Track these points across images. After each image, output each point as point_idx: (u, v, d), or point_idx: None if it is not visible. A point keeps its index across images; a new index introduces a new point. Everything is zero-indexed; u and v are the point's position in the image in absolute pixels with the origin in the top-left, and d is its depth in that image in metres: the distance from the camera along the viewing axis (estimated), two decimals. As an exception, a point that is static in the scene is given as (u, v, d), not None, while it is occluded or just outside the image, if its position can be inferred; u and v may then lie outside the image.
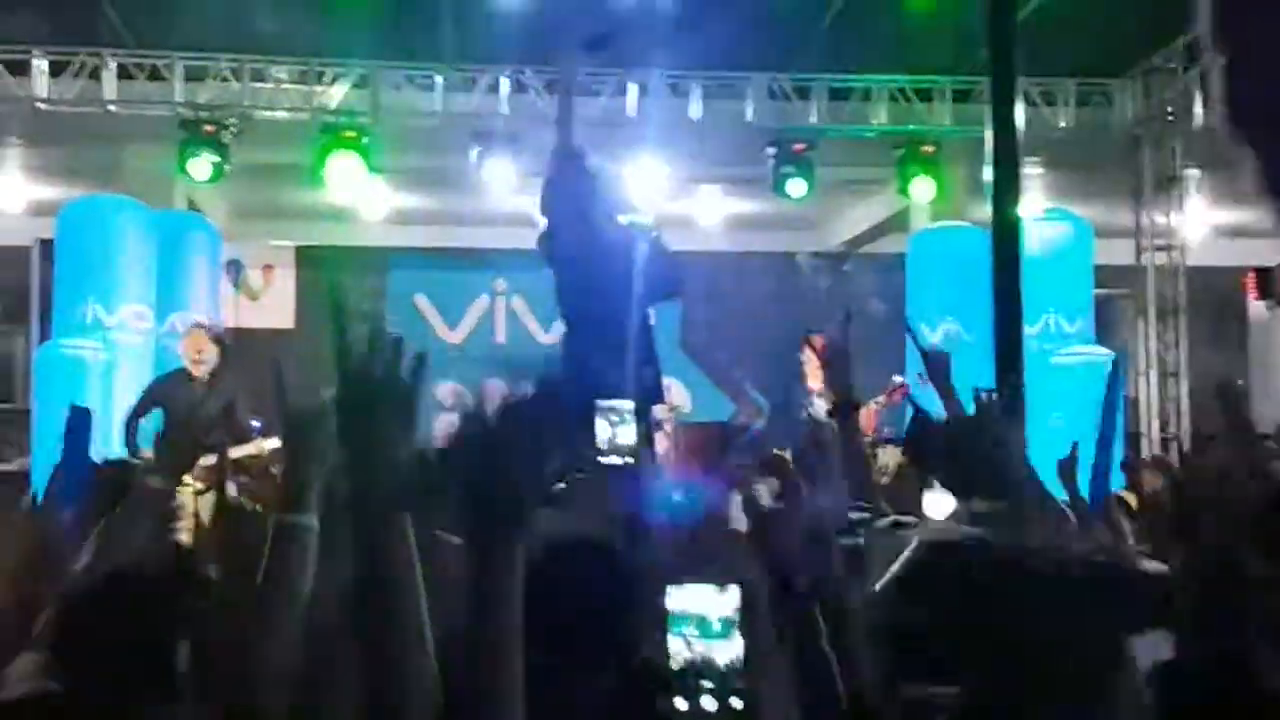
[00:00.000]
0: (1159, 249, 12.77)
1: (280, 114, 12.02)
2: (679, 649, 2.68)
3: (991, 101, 7.08)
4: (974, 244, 11.15)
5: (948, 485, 3.75)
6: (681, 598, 2.73)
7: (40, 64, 11.68)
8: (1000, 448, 3.51)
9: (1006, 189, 7.10)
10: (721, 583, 2.71)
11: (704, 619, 2.73)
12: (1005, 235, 7.12)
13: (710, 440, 13.33)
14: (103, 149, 12.48)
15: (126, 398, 10.44)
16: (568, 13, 10.60)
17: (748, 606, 2.68)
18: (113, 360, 10.95)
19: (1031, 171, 11.77)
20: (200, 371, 9.77)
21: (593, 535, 3.18)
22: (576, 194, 6.28)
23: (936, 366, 4.10)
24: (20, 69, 11.71)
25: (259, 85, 11.95)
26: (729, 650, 2.69)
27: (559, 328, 7.52)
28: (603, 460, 4.05)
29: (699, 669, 2.67)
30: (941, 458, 3.70)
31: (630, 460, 4.05)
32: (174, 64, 11.77)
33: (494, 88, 11.98)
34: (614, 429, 4.09)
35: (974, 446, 3.49)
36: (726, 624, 2.71)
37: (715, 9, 10.55)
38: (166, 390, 10.15)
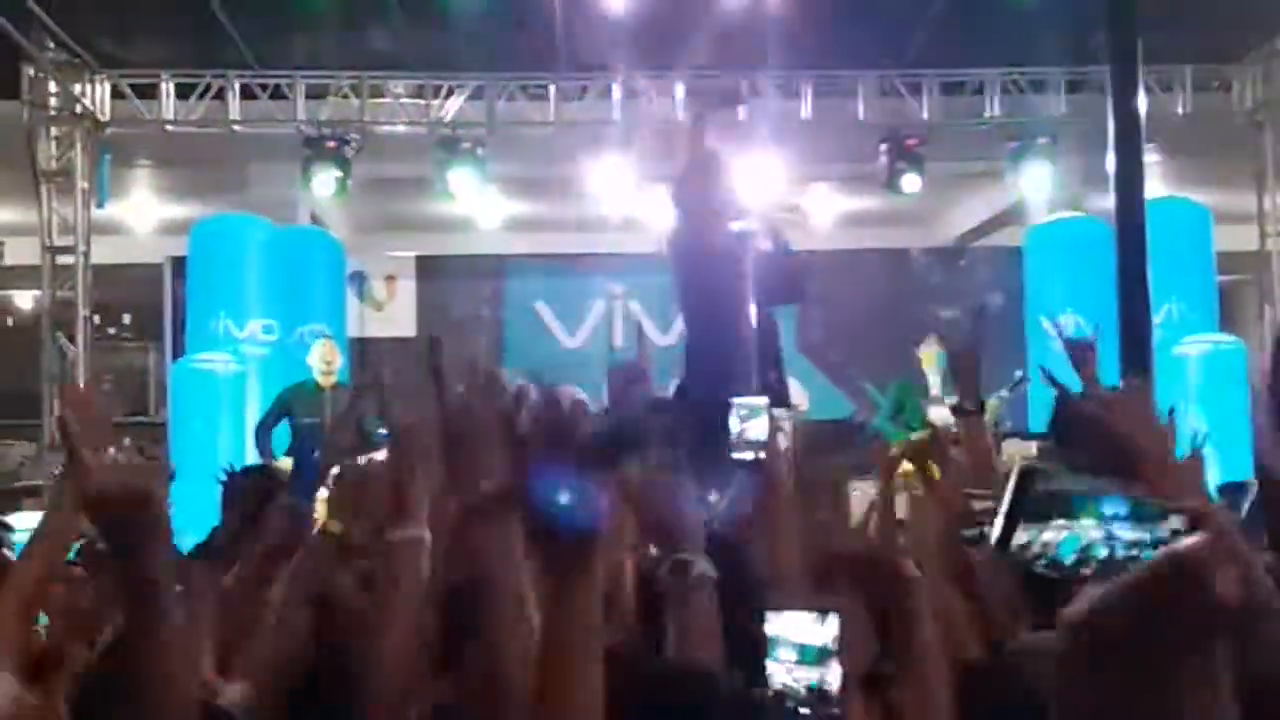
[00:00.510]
0: (1282, 233, 12.57)
1: (399, 128, 12.27)
2: (777, 674, 2.75)
3: (1112, 89, 7.04)
4: (1093, 235, 11.09)
5: (1092, 469, 3.74)
6: (780, 624, 2.80)
7: (167, 87, 12.03)
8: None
9: (1129, 177, 7.07)
10: (821, 611, 2.77)
11: (803, 646, 2.79)
12: (1129, 225, 7.08)
13: (830, 439, 13.37)
14: (229, 167, 12.80)
15: (257, 409, 10.74)
16: (679, 17, 10.74)
17: (845, 635, 2.74)
18: (244, 373, 11.27)
19: (1150, 159, 11.61)
20: (328, 381, 10.04)
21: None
22: (707, 195, 6.35)
23: (1082, 353, 4.10)
24: (148, 92, 12.07)
25: (377, 101, 12.20)
26: (826, 677, 2.75)
27: (677, 329, 7.64)
28: (735, 455, 4.13)
29: (796, 696, 2.74)
30: (1087, 439, 3.70)
31: (761, 455, 4.13)
32: (295, 83, 12.06)
33: (606, 94, 12.12)
34: (745, 424, 4.17)
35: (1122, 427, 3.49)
36: (824, 652, 2.77)
37: (823, 7, 10.60)
38: (294, 398, 10.45)
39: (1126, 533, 2.18)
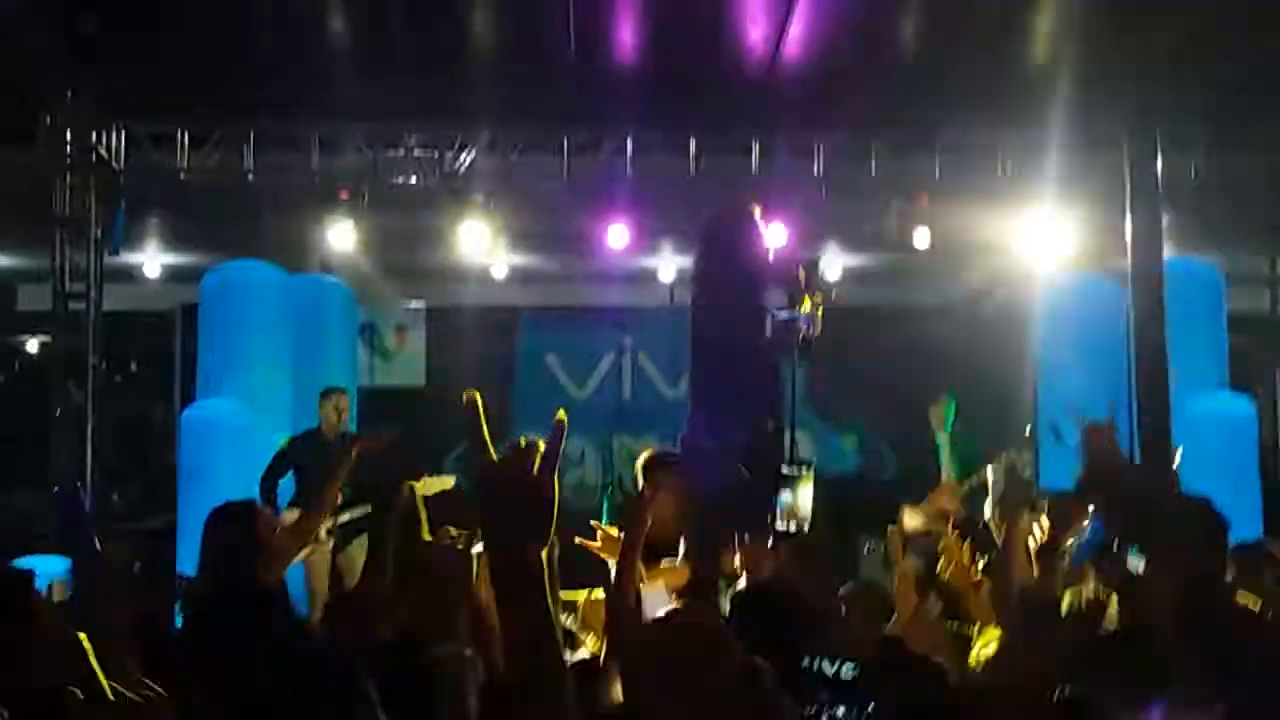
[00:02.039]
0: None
1: (411, 179, 12.30)
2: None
3: (1128, 151, 7.06)
4: (1105, 292, 11.10)
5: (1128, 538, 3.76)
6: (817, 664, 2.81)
7: (183, 136, 12.08)
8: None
9: (1146, 238, 7.08)
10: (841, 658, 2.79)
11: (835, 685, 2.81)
12: (1146, 284, 7.09)
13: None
14: (242, 217, 12.83)
15: (266, 458, 10.73)
16: (692, 75, 10.79)
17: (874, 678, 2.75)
18: (253, 421, 11.25)
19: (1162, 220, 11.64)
20: (333, 432, 10.03)
21: None
22: (741, 246, 6.33)
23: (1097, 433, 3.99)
24: (163, 141, 12.12)
25: (391, 153, 12.24)
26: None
27: (684, 384, 7.61)
28: (778, 528, 4.10)
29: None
30: (1123, 508, 3.70)
31: (804, 527, 4.09)
32: (310, 135, 12.11)
33: (620, 149, 12.15)
34: (794, 494, 4.14)
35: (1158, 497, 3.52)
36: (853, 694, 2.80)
37: (837, 67, 10.64)
38: (300, 449, 10.46)
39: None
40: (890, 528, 6.54)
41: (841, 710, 2.87)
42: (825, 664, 2.89)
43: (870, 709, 2.85)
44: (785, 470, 4.21)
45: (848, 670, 2.86)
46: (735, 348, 6.21)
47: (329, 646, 2.98)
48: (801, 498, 4.21)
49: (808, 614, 3.66)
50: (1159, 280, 7.09)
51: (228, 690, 2.81)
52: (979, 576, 4.74)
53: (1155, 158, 7.06)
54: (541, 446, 2.25)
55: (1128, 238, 7.63)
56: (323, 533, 10.02)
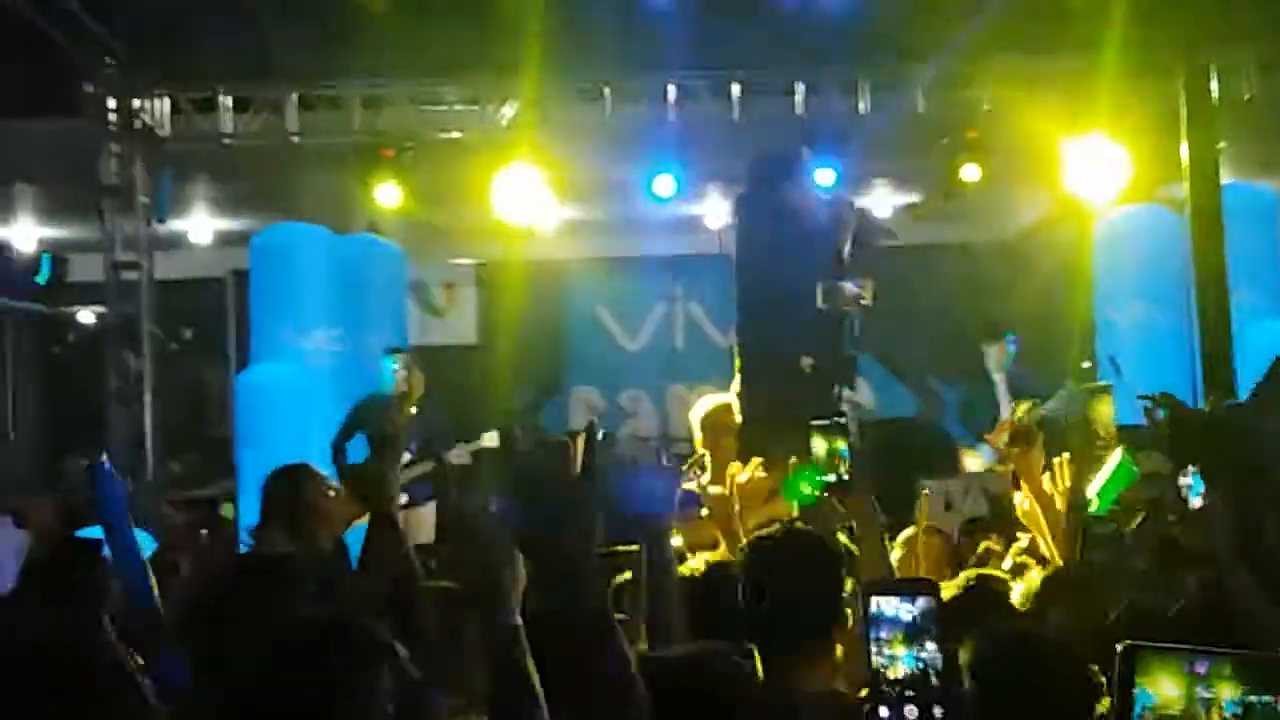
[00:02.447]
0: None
1: (455, 134, 12.23)
2: (876, 658, 2.73)
3: (1185, 76, 6.90)
4: (1161, 224, 10.92)
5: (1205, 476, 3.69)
6: (877, 606, 2.77)
7: (225, 101, 12.07)
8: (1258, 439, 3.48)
9: (1203, 164, 6.93)
10: (912, 594, 2.75)
11: (897, 625, 2.77)
12: (1205, 212, 6.95)
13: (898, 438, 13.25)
14: (287, 180, 12.82)
15: (323, 419, 10.75)
16: (732, 15, 10.65)
17: (940, 617, 2.70)
18: (309, 383, 11.27)
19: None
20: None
21: None
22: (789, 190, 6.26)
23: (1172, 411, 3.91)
24: (206, 106, 12.11)
25: (433, 108, 12.17)
26: (921, 655, 2.72)
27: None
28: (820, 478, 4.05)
29: (901, 679, 2.71)
30: (1200, 447, 3.64)
31: (847, 476, 4.05)
32: (351, 93, 12.06)
33: (663, 95, 12.02)
34: (832, 443, 4.09)
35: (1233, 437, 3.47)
36: (919, 632, 2.74)
37: (879, 3, 10.49)
38: (369, 414, 10.46)
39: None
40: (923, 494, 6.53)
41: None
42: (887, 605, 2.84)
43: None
44: (816, 421, 4.15)
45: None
46: (780, 295, 6.16)
47: (348, 613, 2.95)
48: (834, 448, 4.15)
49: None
50: (1217, 207, 6.94)
51: (235, 662, 2.80)
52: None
53: (1209, 81, 6.88)
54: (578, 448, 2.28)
55: (1184, 165, 7.47)
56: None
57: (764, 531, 3.73)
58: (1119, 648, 2.27)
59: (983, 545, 7.22)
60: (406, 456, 10.09)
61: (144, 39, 11.22)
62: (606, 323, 15.59)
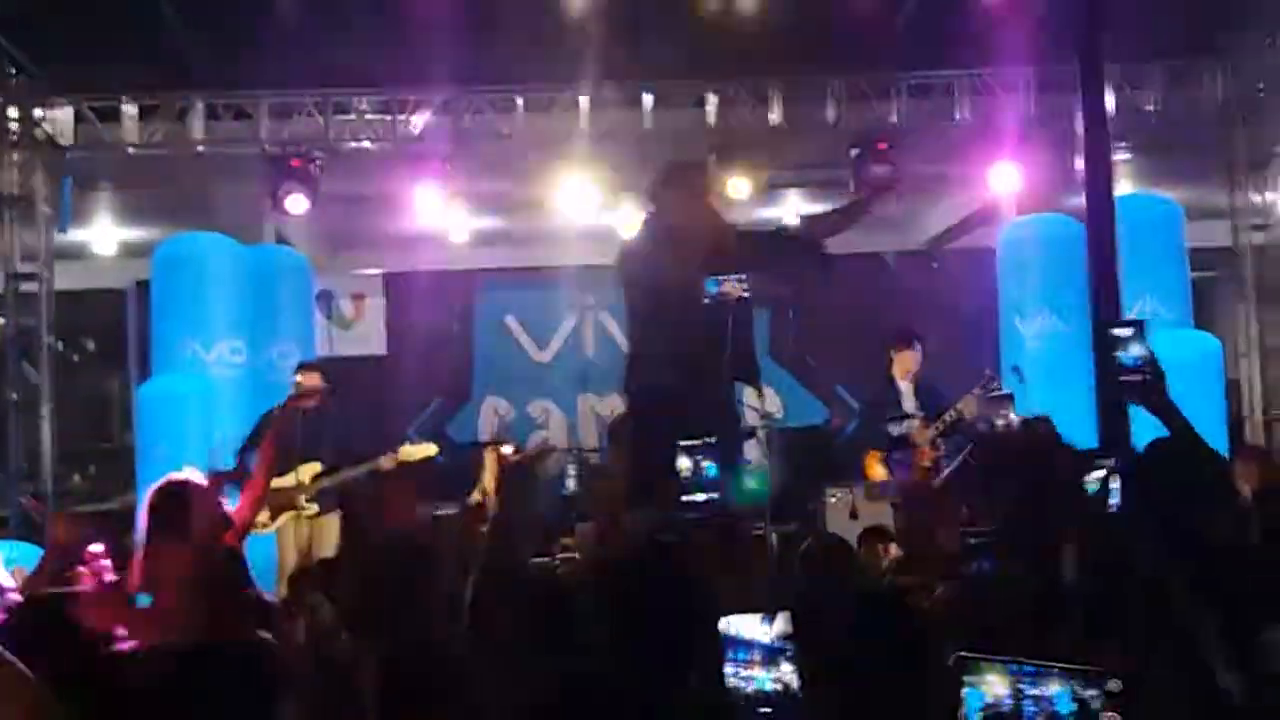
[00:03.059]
0: (1255, 228, 12.52)
1: (365, 144, 12.13)
2: (732, 677, 2.72)
3: (1080, 88, 7.01)
4: (1066, 233, 11.04)
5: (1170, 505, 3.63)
6: (732, 627, 2.76)
7: (129, 109, 11.87)
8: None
9: (1098, 175, 7.03)
10: (769, 612, 2.73)
11: (753, 646, 2.76)
12: (1100, 221, 7.05)
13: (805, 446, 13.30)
14: (193, 190, 12.64)
15: (226, 431, 10.58)
16: (645, 26, 10.66)
17: (798, 634, 2.70)
18: (212, 395, 11.10)
19: (1120, 157, 11.58)
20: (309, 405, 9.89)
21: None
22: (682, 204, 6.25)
23: (1153, 385, 3.86)
24: (109, 115, 11.92)
25: (343, 118, 12.07)
26: (781, 678, 2.72)
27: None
28: (685, 499, 4.05)
29: (754, 697, 2.70)
30: (1173, 479, 3.64)
31: (715, 496, 4.05)
32: (259, 102, 11.92)
33: (573, 106, 12.01)
34: (698, 464, 4.09)
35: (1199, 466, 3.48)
36: (773, 650, 2.74)
37: (791, 13, 10.54)
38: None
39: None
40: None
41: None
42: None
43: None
44: (684, 443, 4.14)
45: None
46: (668, 305, 6.15)
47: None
48: (708, 469, 4.15)
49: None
50: (1110, 214, 7.04)
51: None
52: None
53: (1102, 90, 6.99)
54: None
55: (1079, 174, 7.62)
56: (301, 500, 9.90)
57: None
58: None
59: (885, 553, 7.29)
60: (317, 466, 9.97)
61: (46, 46, 11.02)
62: (516, 333, 15.53)
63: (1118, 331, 3.84)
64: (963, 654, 2.39)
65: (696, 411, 5.30)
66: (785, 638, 2.74)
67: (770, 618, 2.76)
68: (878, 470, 10.32)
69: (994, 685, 2.36)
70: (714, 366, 5.94)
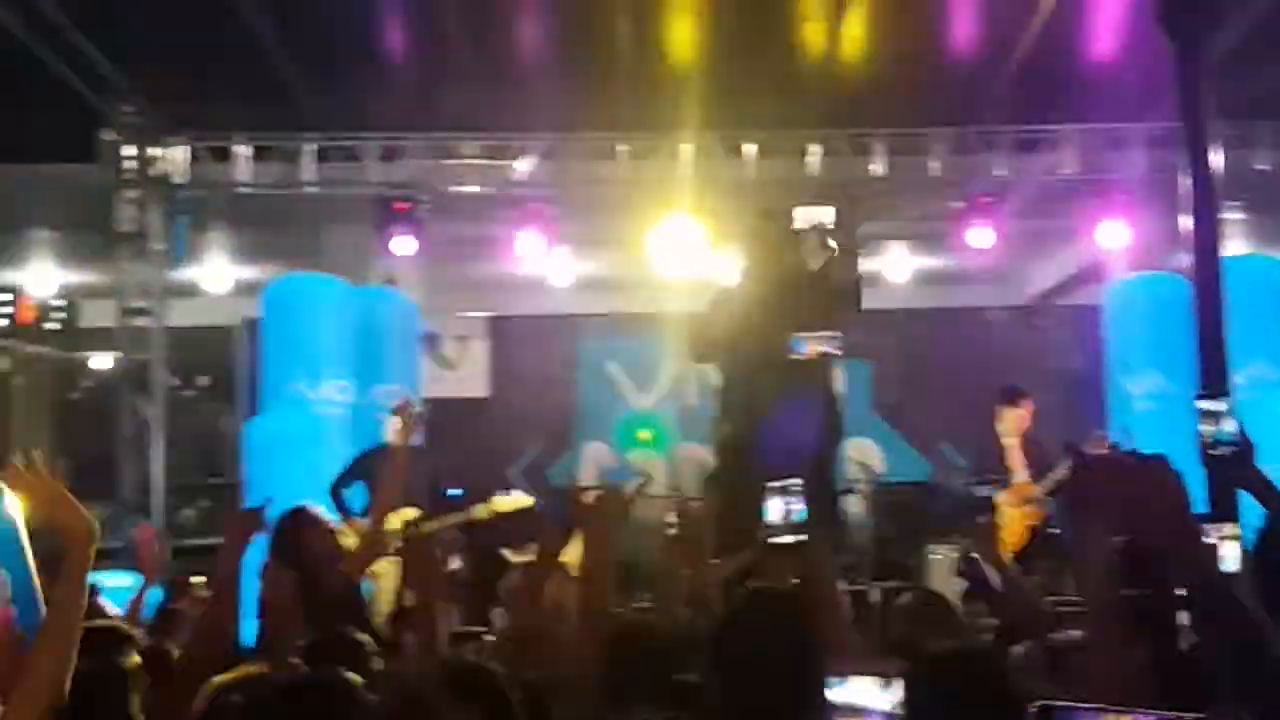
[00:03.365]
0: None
1: (470, 188, 12.26)
2: None
3: (1186, 144, 6.88)
4: (1174, 292, 10.84)
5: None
6: (845, 692, 2.68)
7: (242, 150, 12.12)
8: None
9: (1206, 234, 6.90)
10: (886, 677, 2.65)
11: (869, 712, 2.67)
12: (1205, 281, 6.90)
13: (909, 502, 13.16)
14: (303, 230, 12.85)
15: (331, 469, 10.70)
16: (749, 76, 10.68)
17: (912, 700, 2.61)
18: (318, 433, 11.24)
19: (1232, 216, 11.35)
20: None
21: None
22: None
23: (1242, 460, 3.78)
24: (222, 155, 12.17)
25: (449, 162, 12.21)
26: None
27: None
28: (773, 540, 4.02)
29: None
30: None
31: (805, 539, 4.02)
32: (368, 145, 12.11)
33: (675, 153, 12.05)
34: (787, 507, 4.06)
35: None
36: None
37: (897, 68, 10.51)
38: (372, 463, 10.39)
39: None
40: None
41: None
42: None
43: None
44: (773, 484, 4.11)
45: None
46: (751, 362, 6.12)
47: None
48: (796, 510, 4.11)
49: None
50: (1217, 275, 6.89)
51: None
52: None
53: (1206, 147, 6.85)
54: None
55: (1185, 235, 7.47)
56: (394, 546, 9.94)
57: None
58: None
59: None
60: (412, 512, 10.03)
61: (162, 86, 11.29)
62: (618, 378, 15.56)
63: (1205, 405, 3.76)
64: (1045, 702, 2.30)
65: (777, 464, 5.28)
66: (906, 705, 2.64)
67: (889, 683, 2.66)
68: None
69: None
70: (795, 424, 5.92)
